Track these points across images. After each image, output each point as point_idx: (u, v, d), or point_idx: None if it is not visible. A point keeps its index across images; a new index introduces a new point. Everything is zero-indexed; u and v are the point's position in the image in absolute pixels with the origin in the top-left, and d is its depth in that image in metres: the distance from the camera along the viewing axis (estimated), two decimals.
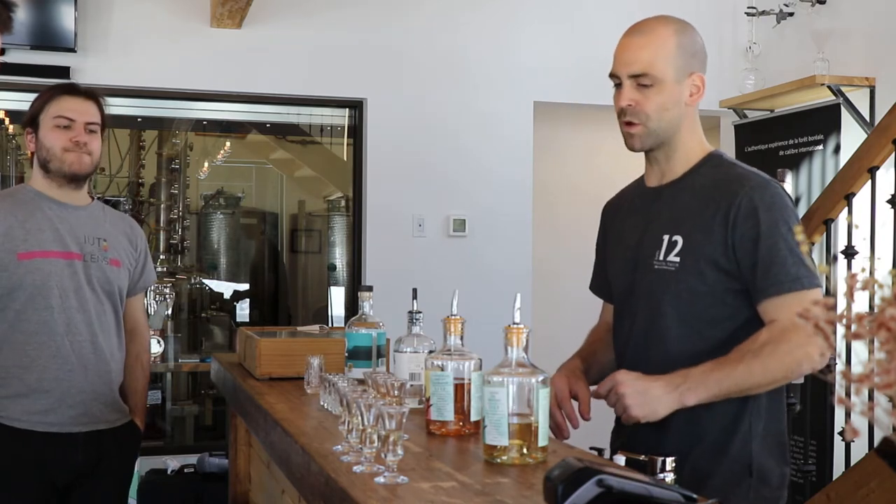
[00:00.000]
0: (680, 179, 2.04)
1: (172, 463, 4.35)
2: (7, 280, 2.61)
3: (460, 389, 1.78)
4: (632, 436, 2.00)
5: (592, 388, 2.02)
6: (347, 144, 5.39)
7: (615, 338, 2.14)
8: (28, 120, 2.73)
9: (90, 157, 2.71)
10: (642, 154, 2.09)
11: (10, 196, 2.78)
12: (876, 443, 1.00)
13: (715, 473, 1.91)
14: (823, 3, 4.80)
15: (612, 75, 2.03)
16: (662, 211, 2.04)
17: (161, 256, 5.92)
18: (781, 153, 4.89)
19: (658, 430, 1.91)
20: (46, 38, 4.43)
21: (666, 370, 1.88)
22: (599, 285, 2.27)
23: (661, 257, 1.98)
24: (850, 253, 3.51)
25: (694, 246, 1.94)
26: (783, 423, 2.01)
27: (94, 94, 2.76)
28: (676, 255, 1.96)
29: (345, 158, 5.50)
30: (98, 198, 2.98)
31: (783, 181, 4.28)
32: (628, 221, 2.14)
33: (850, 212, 3.55)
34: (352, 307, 5.20)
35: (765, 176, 1.98)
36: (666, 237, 1.99)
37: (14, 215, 2.66)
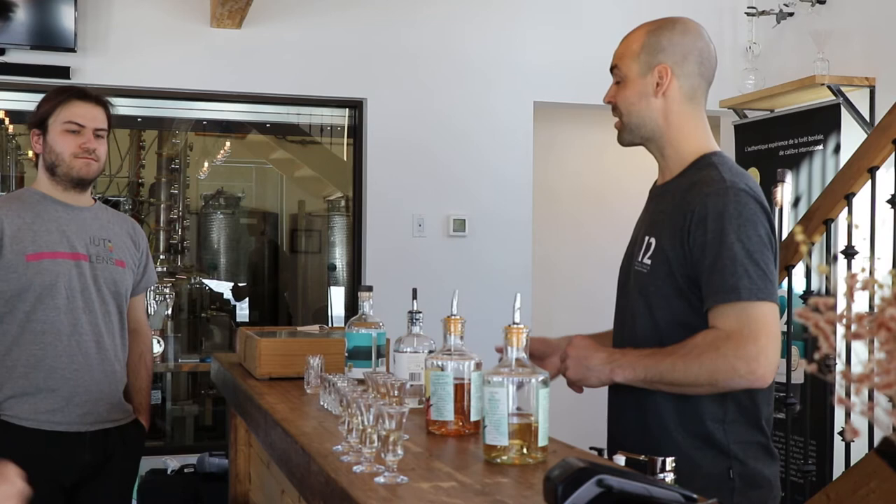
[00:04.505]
0: (671, 181, 2.03)
1: (172, 463, 4.35)
2: (16, 281, 2.62)
3: (460, 389, 1.78)
4: (613, 438, 2.05)
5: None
6: (347, 144, 5.39)
7: (613, 336, 2.16)
8: (36, 121, 2.74)
9: (98, 164, 2.75)
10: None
11: (17, 199, 2.80)
12: (876, 443, 1.00)
13: (694, 479, 1.89)
14: (823, 3, 4.80)
15: None
16: (650, 212, 2.06)
17: (161, 256, 5.91)
18: (781, 153, 4.89)
19: (641, 433, 1.95)
20: (46, 38, 4.42)
21: None
22: None
23: (640, 258, 1.99)
24: (850, 253, 3.51)
25: (662, 249, 1.94)
26: (761, 424, 1.94)
27: (102, 100, 2.78)
28: (649, 258, 1.96)
29: (345, 158, 5.50)
30: (98, 198, 2.99)
31: (783, 181, 4.28)
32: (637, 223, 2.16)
33: (850, 212, 3.54)
34: (352, 307, 5.20)
35: (730, 181, 1.89)
36: (646, 238, 1.99)
37: (21, 217, 2.68)
